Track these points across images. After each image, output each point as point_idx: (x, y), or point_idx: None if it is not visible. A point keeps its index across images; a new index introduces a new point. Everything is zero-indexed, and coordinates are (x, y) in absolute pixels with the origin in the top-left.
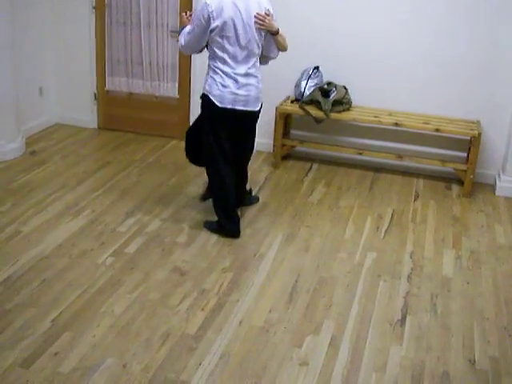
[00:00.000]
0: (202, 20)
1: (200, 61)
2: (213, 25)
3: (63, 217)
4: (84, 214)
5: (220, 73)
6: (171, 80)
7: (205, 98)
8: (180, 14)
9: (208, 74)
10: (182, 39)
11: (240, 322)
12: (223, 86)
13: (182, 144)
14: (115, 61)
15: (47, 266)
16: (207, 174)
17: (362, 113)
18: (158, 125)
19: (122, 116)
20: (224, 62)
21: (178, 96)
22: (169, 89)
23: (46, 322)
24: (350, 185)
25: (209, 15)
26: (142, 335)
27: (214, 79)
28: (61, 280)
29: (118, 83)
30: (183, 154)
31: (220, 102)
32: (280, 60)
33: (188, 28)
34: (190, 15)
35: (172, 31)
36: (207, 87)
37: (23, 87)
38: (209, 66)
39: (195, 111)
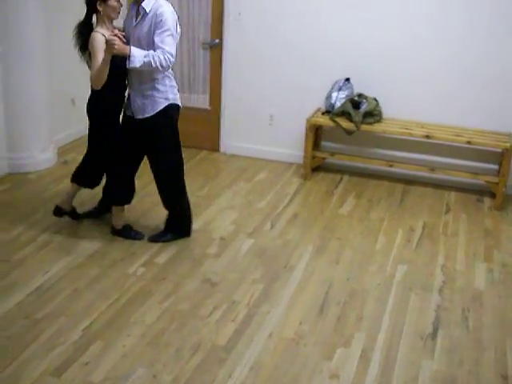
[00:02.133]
0: (176, 27)
1: (231, 73)
2: (178, 30)
3: (95, 226)
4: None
5: (170, 76)
6: (202, 92)
7: (172, 107)
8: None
9: (160, 83)
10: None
11: (270, 334)
12: (175, 87)
13: (214, 154)
14: None
15: (78, 275)
16: (179, 194)
17: (392, 125)
18: (190, 136)
19: None
20: None
21: (209, 107)
22: (200, 100)
23: (77, 331)
24: (381, 197)
25: (176, 21)
26: (172, 346)
27: (172, 85)
28: (92, 289)
29: None
30: (214, 164)
31: (179, 104)
32: (310, 72)
33: (169, 39)
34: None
35: (203, 43)
36: (171, 95)
37: (56, 98)
38: (156, 73)
39: (226, 122)
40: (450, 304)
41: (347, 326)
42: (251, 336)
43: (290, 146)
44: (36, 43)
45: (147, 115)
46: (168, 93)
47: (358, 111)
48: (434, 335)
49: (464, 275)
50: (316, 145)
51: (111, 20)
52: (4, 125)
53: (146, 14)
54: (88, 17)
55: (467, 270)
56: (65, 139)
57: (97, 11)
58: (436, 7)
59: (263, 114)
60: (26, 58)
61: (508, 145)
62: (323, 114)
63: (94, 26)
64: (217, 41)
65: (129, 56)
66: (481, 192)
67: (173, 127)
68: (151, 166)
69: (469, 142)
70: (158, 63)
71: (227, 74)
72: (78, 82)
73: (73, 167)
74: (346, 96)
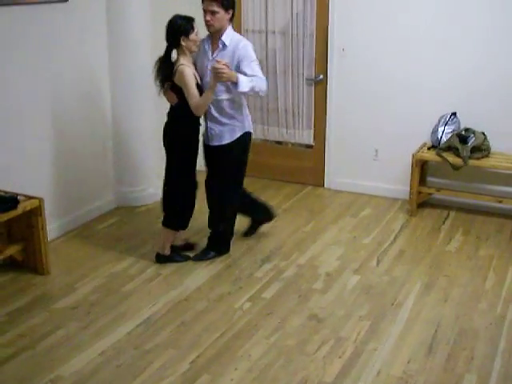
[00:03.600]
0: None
1: (335, 108)
2: None
3: (201, 260)
4: (221, 258)
5: (246, 105)
6: (307, 127)
7: (247, 135)
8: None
9: (238, 112)
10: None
11: (378, 372)
12: (249, 116)
13: (318, 190)
14: (251, 108)
15: (186, 308)
16: (230, 211)
17: (501, 159)
18: (294, 171)
19: (256, 162)
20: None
21: (313, 143)
22: (304, 136)
23: (184, 364)
24: (490, 234)
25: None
26: (279, 381)
27: (247, 114)
28: (199, 322)
29: (253, 130)
30: (318, 199)
31: (252, 132)
32: (415, 106)
33: (258, 68)
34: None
35: (307, 79)
36: (247, 123)
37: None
38: (235, 103)
39: (331, 157)
40: None
41: (457, 366)
42: (359, 373)
43: (395, 181)
44: (143, 79)
45: (224, 142)
46: (245, 121)
47: (465, 146)
48: None
49: None
50: (422, 180)
51: (191, 52)
52: (113, 159)
53: (225, 46)
54: (169, 51)
55: None
56: None
57: (178, 45)
58: None
59: (368, 149)
60: (133, 94)
61: None
62: (429, 148)
63: (174, 59)
64: (321, 76)
65: (236, 82)
66: None
67: (245, 155)
68: (211, 187)
69: None
70: (259, 88)
71: (331, 110)
72: None
73: None
74: (453, 130)
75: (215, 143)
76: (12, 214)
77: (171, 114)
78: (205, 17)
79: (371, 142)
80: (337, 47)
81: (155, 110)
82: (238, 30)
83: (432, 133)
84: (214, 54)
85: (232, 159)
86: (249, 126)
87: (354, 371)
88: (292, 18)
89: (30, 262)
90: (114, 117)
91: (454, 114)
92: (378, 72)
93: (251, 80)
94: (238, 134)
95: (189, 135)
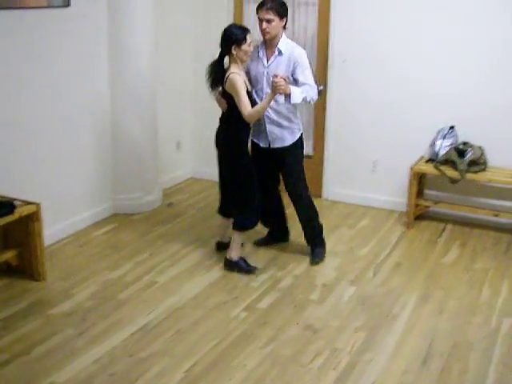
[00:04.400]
0: None
1: (335, 119)
2: None
3: (198, 269)
4: (218, 266)
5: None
6: (306, 138)
7: (302, 136)
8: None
9: (294, 115)
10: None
11: (373, 383)
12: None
13: (316, 200)
14: None
15: (182, 316)
16: (309, 202)
17: (498, 173)
18: None
19: None
20: None
21: (312, 153)
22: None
23: (179, 373)
24: (486, 247)
25: None
26: None
27: (299, 117)
28: (195, 331)
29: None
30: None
31: None
32: (414, 119)
33: (311, 76)
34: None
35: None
36: (301, 126)
37: (162, 141)
38: (292, 106)
39: (329, 168)
40: None
41: (451, 379)
42: None
43: (393, 193)
44: (143, 86)
45: (286, 144)
46: (299, 124)
47: (463, 159)
48: None
49: None
50: (419, 193)
51: (242, 62)
52: (111, 166)
53: (281, 53)
54: (221, 58)
55: None
56: (170, 182)
57: (230, 54)
58: None
59: (366, 161)
60: (133, 100)
61: None
62: (427, 161)
63: (226, 66)
64: (321, 87)
65: (289, 94)
66: None
67: (303, 153)
68: (287, 188)
69: None
70: (310, 97)
71: (331, 121)
72: (183, 125)
73: (177, 209)
74: (451, 144)
75: (277, 145)
76: (8, 219)
77: (223, 119)
78: (260, 25)
79: (369, 154)
80: (337, 58)
81: (154, 117)
82: None
83: (430, 146)
84: (270, 61)
85: (297, 158)
86: (301, 128)
87: (348, 382)
88: (294, 30)
89: (26, 268)
90: (113, 123)
91: (452, 127)
92: (378, 85)
93: (302, 91)
94: (298, 135)
95: (243, 138)
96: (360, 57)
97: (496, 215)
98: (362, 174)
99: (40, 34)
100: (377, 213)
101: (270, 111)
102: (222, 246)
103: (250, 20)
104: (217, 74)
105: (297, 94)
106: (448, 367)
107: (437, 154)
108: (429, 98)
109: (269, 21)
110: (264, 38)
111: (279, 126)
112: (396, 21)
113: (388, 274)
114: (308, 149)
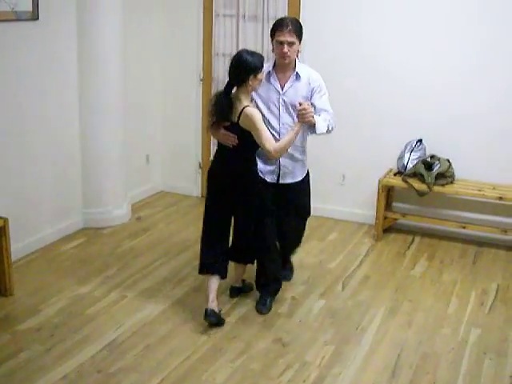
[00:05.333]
0: None
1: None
2: None
3: (167, 283)
4: (187, 281)
5: None
6: None
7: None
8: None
9: (306, 146)
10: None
11: None
12: None
13: None
14: None
15: (150, 331)
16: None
17: (465, 186)
18: None
19: None
20: None
21: None
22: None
23: None
24: (453, 259)
25: None
26: None
27: None
28: (163, 346)
29: None
30: None
31: None
32: (382, 133)
33: (328, 102)
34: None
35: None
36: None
37: (131, 155)
38: (304, 139)
39: None
40: None
41: None
42: None
43: (362, 206)
44: (112, 99)
45: (298, 179)
46: (308, 155)
47: (430, 172)
48: None
49: None
50: (388, 205)
51: (254, 91)
52: (80, 180)
53: (299, 78)
54: (230, 89)
55: None
56: (139, 196)
57: (244, 84)
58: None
59: (335, 174)
60: (102, 114)
61: None
62: (395, 174)
63: (233, 96)
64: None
65: (314, 124)
66: None
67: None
68: (287, 226)
69: None
70: (331, 126)
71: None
72: (152, 139)
73: (146, 223)
74: (419, 157)
75: (288, 180)
76: None
77: (229, 156)
78: (280, 48)
79: (338, 167)
80: None
81: (124, 130)
82: (208, 53)
83: (398, 159)
84: (286, 87)
85: (306, 193)
86: None
87: None
88: (263, 43)
89: None
90: (82, 137)
91: (420, 140)
92: (345, 98)
93: (324, 119)
94: (307, 168)
95: (254, 176)
96: (327, 71)
97: (463, 227)
98: (331, 187)
99: (7, 47)
100: (346, 226)
101: None
102: (234, 292)
103: (220, 35)
104: (224, 108)
105: (321, 123)
106: (416, 379)
107: (405, 167)
108: (397, 112)
109: (291, 44)
110: (283, 61)
111: (292, 158)
112: (360, 36)
113: (357, 287)
114: None
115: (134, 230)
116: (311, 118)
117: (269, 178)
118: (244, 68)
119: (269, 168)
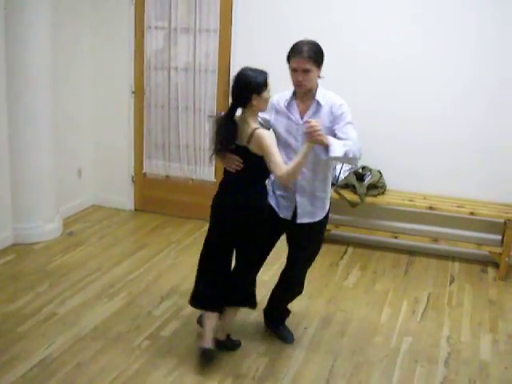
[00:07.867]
0: None
1: None
2: None
3: (99, 299)
4: (120, 296)
5: None
6: (208, 164)
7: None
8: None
9: (329, 180)
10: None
11: None
12: None
13: None
14: (153, 144)
15: (82, 348)
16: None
17: (396, 196)
18: (195, 208)
19: (158, 198)
20: None
21: (214, 179)
22: (205, 172)
23: None
24: (386, 268)
25: None
26: None
27: None
28: (95, 363)
29: (155, 166)
30: None
31: None
32: None
33: (354, 132)
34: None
35: (209, 116)
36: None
37: (62, 168)
38: (327, 170)
39: None
40: (455, 376)
41: None
42: None
43: None
44: (42, 112)
45: (317, 219)
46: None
47: (362, 183)
48: None
49: (469, 346)
50: None
51: (261, 112)
52: (10, 195)
53: (319, 106)
54: (233, 110)
55: (472, 340)
56: (70, 210)
57: (248, 105)
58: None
59: None
60: (31, 127)
61: (510, 215)
62: None
63: (238, 119)
64: (222, 113)
65: (328, 145)
66: (484, 262)
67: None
68: (292, 269)
69: (472, 213)
70: (353, 153)
71: None
72: (84, 153)
73: (78, 238)
74: (350, 168)
75: (305, 220)
76: None
77: (231, 183)
78: (295, 76)
79: None
80: None
81: (53, 145)
82: (139, 66)
83: None
84: (306, 116)
85: (321, 236)
86: None
87: None
88: (195, 56)
89: None
90: (11, 150)
91: None
92: None
93: (344, 144)
94: (327, 207)
95: (263, 206)
96: None
97: (395, 237)
98: None
99: None
100: None
101: (305, 172)
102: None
103: (152, 47)
104: (229, 133)
105: (337, 146)
106: None
107: (337, 179)
108: None
109: (306, 71)
110: (297, 90)
111: (312, 195)
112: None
113: None
114: (210, 175)
115: (65, 245)
116: (321, 138)
117: (282, 214)
118: (245, 85)
119: (285, 203)
